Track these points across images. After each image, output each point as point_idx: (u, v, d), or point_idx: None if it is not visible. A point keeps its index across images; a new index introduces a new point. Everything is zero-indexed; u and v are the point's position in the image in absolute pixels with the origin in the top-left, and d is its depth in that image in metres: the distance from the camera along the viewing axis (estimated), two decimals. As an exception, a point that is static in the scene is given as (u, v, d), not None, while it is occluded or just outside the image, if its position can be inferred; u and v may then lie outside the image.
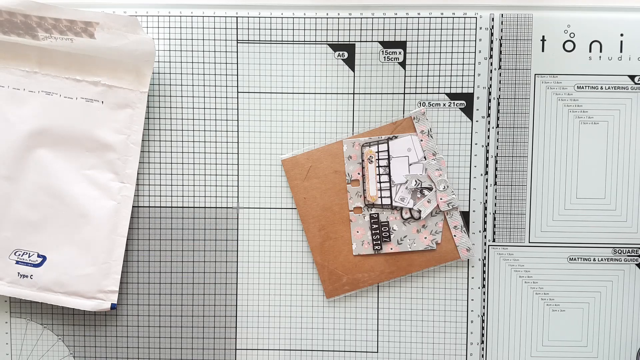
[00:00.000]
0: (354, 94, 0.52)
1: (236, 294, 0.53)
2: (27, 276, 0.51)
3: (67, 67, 0.51)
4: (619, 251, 0.52)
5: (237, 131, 0.53)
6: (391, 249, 0.52)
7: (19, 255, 0.51)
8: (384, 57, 0.52)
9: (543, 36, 0.51)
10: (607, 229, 0.52)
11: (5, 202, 0.51)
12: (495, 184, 0.52)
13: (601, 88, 0.52)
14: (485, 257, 0.53)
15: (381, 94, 0.52)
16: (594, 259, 0.53)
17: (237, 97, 0.53)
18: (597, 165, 0.52)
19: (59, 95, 0.51)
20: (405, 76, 0.52)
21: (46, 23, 0.49)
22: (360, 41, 0.52)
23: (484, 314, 0.53)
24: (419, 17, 0.51)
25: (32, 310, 0.54)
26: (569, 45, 0.51)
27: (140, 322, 0.54)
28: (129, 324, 0.54)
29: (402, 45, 0.52)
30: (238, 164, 0.53)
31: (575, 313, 0.53)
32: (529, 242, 0.53)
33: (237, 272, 0.53)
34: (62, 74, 0.51)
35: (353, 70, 0.52)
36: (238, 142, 0.53)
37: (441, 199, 0.51)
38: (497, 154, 0.52)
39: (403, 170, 0.52)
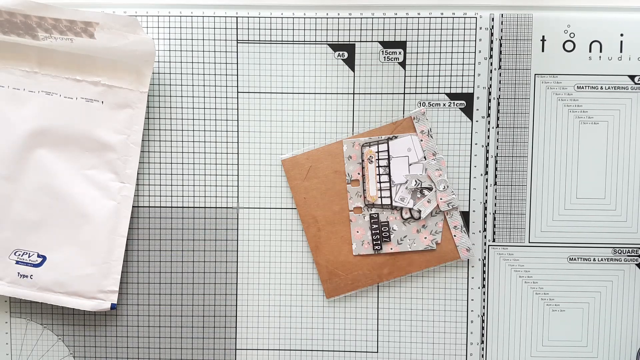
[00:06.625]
0: (354, 94, 0.52)
1: (236, 294, 0.53)
2: (27, 276, 0.51)
3: (67, 67, 0.51)
4: (619, 251, 0.52)
5: (237, 131, 0.53)
6: (391, 249, 0.52)
7: (19, 255, 0.51)
8: (384, 57, 0.52)
9: (543, 36, 0.51)
10: (607, 229, 0.52)
11: (5, 202, 0.51)
12: (495, 184, 0.52)
13: (601, 88, 0.52)
14: (485, 257, 0.53)
15: (381, 94, 0.52)
16: (594, 259, 0.53)
17: (237, 97, 0.53)
18: (597, 165, 0.52)
19: (59, 95, 0.51)
20: (405, 76, 0.52)
21: (46, 23, 0.49)
22: (360, 41, 0.52)
23: (484, 314, 0.53)
24: (419, 17, 0.51)
25: (32, 310, 0.54)
26: (569, 45, 0.51)
27: (140, 322, 0.54)
28: (129, 324, 0.54)
29: (402, 45, 0.52)
30: (238, 164, 0.53)
31: (575, 313, 0.53)
32: (529, 242, 0.53)
33: (237, 272, 0.53)
34: (62, 74, 0.51)
35: (353, 70, 0.52)
36: (238, 142, 0.53)
37: (441, 199, 0.51)
38: (497, 154, 0.52)
39: (403, 170, 0.52)
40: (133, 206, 0.53)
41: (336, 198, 0.52)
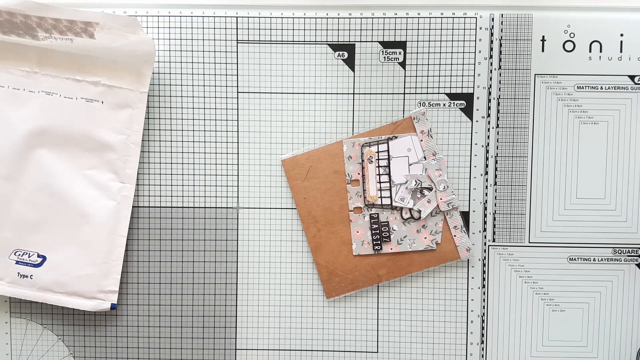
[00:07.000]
0: (354, 94, 0.52)
1: (236, 294, 0.53)
2: (27, 276, 0.51)
3: (67, 67, 0.51)
4: (619, 251, 0.52)
5: (237, 131, 0.53)
6: (391, 249, 0.52)
7: (19, 255, 0.51)
8: (384, 57, 0.52)
9: (543, 36, 0.51)
10: (607, 229, 0.52)
11: (5, 202, 0.51)
12: (495, 184, 0.52)
13: (601, 88, 0.52)
14: (485, 257, 0.53)
15: (381, 94, 0.52)
16: (594, 259, 0.53)
17: (237, 97, 0.53)
18: (597, 165, 0.52)
19: (59, 95, 0.51)
20: (405, 76, 0.52)
21: (46, 23, 0.49)
22: (360, 41, 0.52)
23: (484, 314, 0.53)
24: (419, 17, 0.51)
25: (32, 310, 0.54)
26: (569, 45, 0.51)
27: (140, 322, 0.54)
28: (129, 324, 0.54)
29: (402, 45, 0.52)
30: (238, 164, 0.53)
31: (575, 313, 0.53)
32: (529, 242, 0.53)
33: (237, 272, 0.53)
34: (62, 74, 0.51)
35: (353, 70, 0.52)
36: (238, 142, 0.53)
37: (441, 199, 0.51)
38: (497, 154, 0.52)
39: (403, 170, 0.52)
40: (133, 206, 0.53)
41: (336, 198, 0.52)
